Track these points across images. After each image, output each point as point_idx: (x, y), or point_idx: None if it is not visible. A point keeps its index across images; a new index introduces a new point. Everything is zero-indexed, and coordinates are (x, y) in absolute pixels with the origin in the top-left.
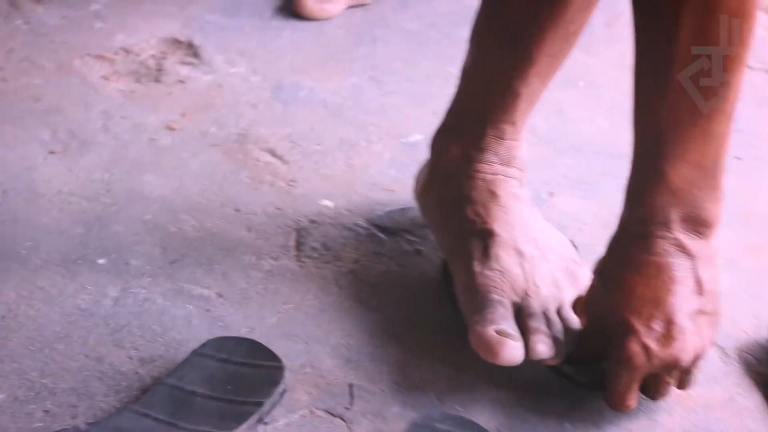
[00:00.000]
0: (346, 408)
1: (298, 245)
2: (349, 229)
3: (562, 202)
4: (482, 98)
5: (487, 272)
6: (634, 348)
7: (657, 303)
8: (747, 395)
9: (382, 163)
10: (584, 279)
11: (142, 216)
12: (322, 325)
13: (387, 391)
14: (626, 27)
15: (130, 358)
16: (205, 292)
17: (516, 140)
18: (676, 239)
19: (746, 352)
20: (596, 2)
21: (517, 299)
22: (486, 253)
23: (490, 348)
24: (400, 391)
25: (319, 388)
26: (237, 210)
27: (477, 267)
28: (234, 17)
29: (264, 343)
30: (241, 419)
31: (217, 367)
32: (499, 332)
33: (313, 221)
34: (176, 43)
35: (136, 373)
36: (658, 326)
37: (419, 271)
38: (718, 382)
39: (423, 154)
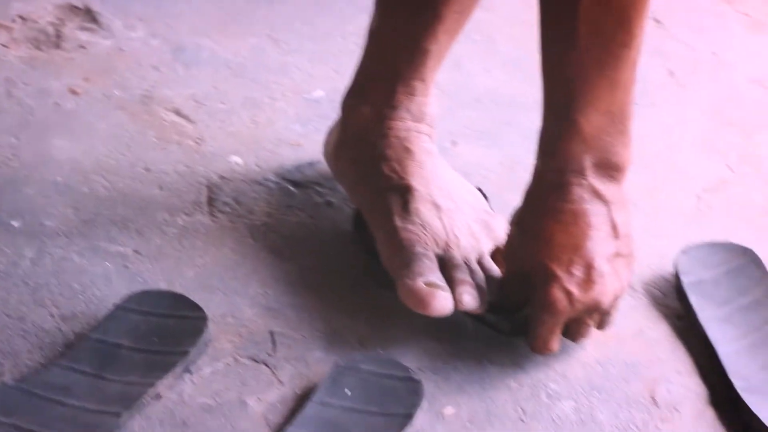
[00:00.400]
0: (269, 354)
1: (210, 201)
2: (260, 183)
3: (465, 151)
4: (392, 57)
5: (409, 226)
6: (557, 294)
7: (576, 249)
8: (655, 327)
9: (287, 119)
10: (499, 229)
11: (53, 178)
12: (239, 276)
13: (308, 337)
14: None
15: (52, 315)
16: (122, 249)
17: (426, 96)
18: (590, 185)
19: (652, 287)
20: None
21: (439, 251)
22: (405, 208)
23: (421, 300)
24: (321, 336)
25: (241, 337)
26: (147, 169)
27: (398, 222)
28: None
29: None
30: (167, 368)
31: (141, 320)
32: (428, 284)
33: (223, 177)
34: (73, 9)
35: (59, 330)
36: (578, 271)
37: (331, 222)
38: (627, 317)
39: (326, 110)
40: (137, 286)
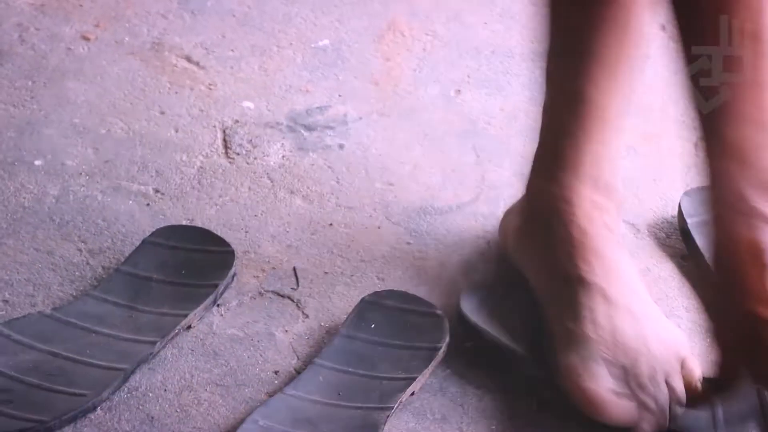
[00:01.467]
0: (293, 289)
1: (226, 143)
2: (272, 127)
3: (469, 99)
4: (563, 121)
5: (596, 332)
6: None
7: None
8: (661, 266)
9: (295, 67)
10: (685, 348)
11: (71, 120)
12: (258, 215)
13: (330, 272)
14: None
15: (80, 250)
16: (143, 188)
17: (613, 165)
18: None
19: (656, 229)
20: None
21: (625, 363)
22: (591, 309)
23: (601, 406)
24: (342, 272)
25: (264, 272)
26: (162, 113)
27: (587, 325)
28: None
29: None
30: (198, 301)
31: (169, 254)
32: (607, 392)
33: (236, 121)
34: None
35: (88, 263)
36: None
37: (344, 163)
38: (634, 256)
39: (332, 58)
40: (160, 223)
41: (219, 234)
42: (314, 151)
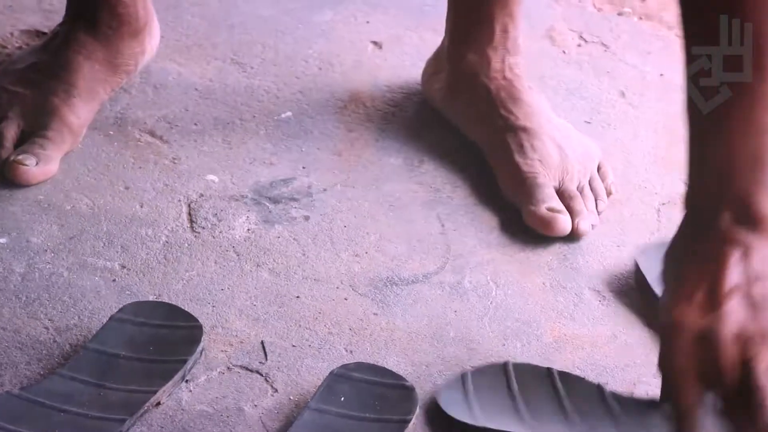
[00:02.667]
0: (261, 363)
1: (191, 217)
2: (237, 200)
3: (432, 168)
4: (481, 2)
5: (529, 161)
6: None
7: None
8: (628, 332)
9: (258, 139)
10: (598, 151)
11: (36, 196)
12: (225, 288)
13: (297, 345)
14: None
15: (47, 328)
16: (108, 264)
17: (517, 29)
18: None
19: (622, 294)
20: None
21: (556, 183)
22: (524, 146)
23: (546, 223)
24: (310, 344)
25: (232, 346)
26: (127, 188)
27: (519, 158)
28: None
29: None
30: (166, 377)
31: (137, 330)
32: (550, 209)
33: (201, 195)
34: (39, 34)
35: (55, 341)
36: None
37: (310, 235)
38: (600, 322)
39: (295, 130)
40: (127, 299)
41: (186, 309)
42: (280, 224)
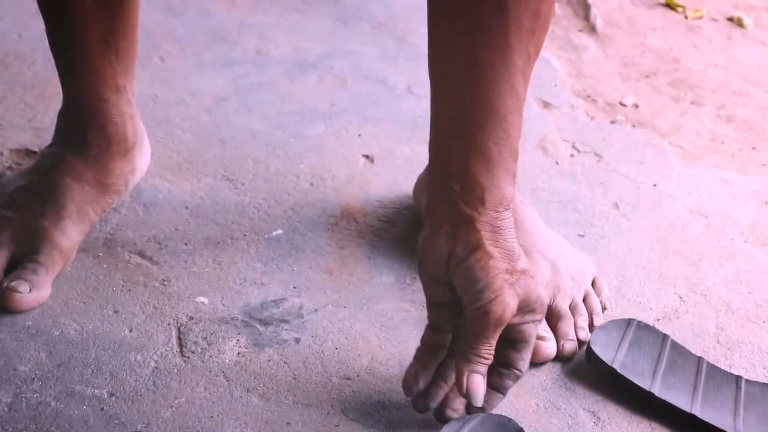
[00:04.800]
0: None
1: (180, 341)
2: (227, 322)
3: None
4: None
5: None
6: None
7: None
8: None
9: (249, 259)
10: (592, 266)
11: (24, 323)
12: (215, 416)
13: None
14: None
15: None
16: (97, 392)
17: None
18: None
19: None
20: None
21: (549, 302)
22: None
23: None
24: None
25: None
26: (116, 311)
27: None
28: None
29: None
30: None
31: None
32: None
33: (191, 317)
34: (29, 153)
35: None
36: None
37: (301, 358)
38: None
39: (286, 248)
40: (115, 429)
41: None
42: (270, 347)
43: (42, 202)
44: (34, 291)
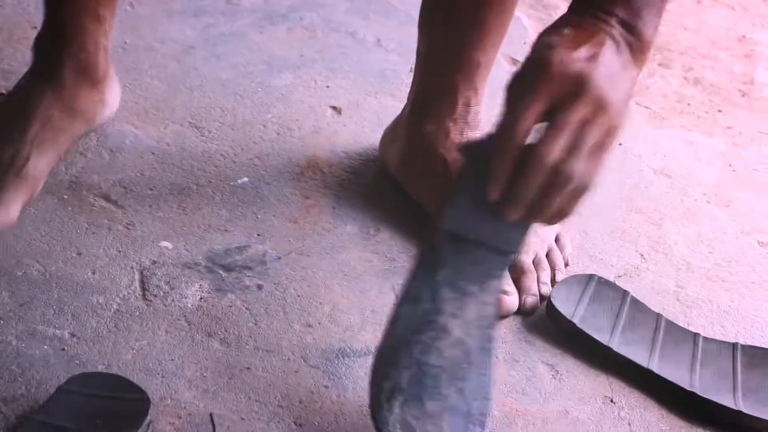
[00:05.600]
0: None
1: (143, 285)
2: (190, 267)
3: (387, 237)
4: (448, 74)
5: None
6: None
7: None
8: (579, 408)
9: (214, 205)
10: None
11: None
12: (175, 359)
13: (246, 418)
14: None
15: None
16: (58, 332)
17: (479, 104)
18: (614, 32)
19: (575, 370)
20: None
21: None
22: None
23: None
24: (259, 417)
25: (180, 419)
26: (79, 253)
27: None
28: None
29: None
30: None
31: (84, 402)
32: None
33: (154, 262)
34: None
35: (0, 412)
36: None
37: (263, 305)
38: (553, 398)
39: (251, 196)
40: (76, 369)
41: (135, 380)
42: (232, 293)
43: (12, 128)
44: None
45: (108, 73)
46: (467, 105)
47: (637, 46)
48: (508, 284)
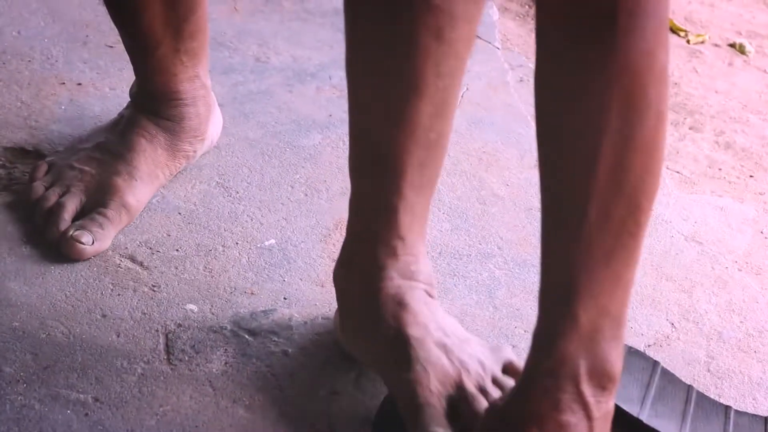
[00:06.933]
0: None
1: (168, 349)
2: (215, 331)
3: None
4: (365, 220)
5: (411, 376)
6: None
7: None
8: None
9: (240, 267)
10: (506, 350)
11: (11, 323)
12: (200, 425)
13: None
14: (456, 134)
15: None
16: (82, 396)
17: (410, 255)
18: (581, 396)
19: None
20: (452, 108)
21: (450, 390)
22: (406, 359)
23: None
24: None
25: None
26: (104, 315)
27: (402, 374)
28: (78, 127)
29: None
30: None
31: None
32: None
33: (179, 325)
34: (24, 152)
35: None
36: None
37: (288, 371)
38: None
39: (278, 258)
40: None
41: None
42: (258, 358)
43: (116, 159)
44: (96, 243)
45: (209, 115)
46: (393, 255)
47: (609, 386)
48: (444, 426)
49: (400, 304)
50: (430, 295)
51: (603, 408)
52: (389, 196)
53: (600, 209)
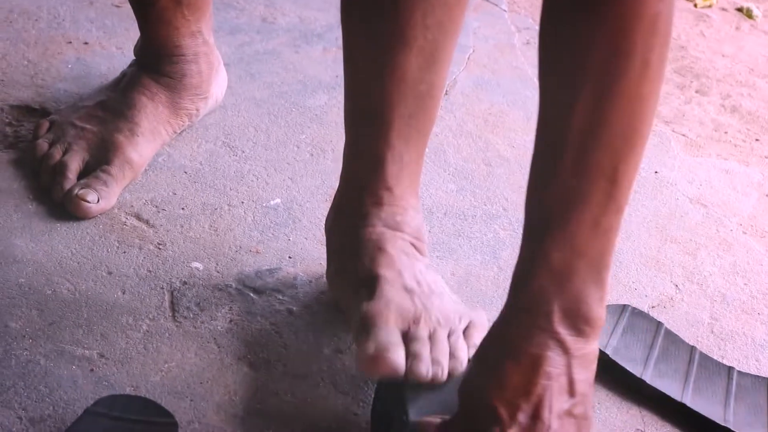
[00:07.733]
0: None
1: (173, 306)
2: (221, 289)
3: None
4: (355, 169)
5: (373, 306)
6: None
7: (527, 395)
8: None
9: (246, 226)
10: (479, 317)
11: (17, 279)
12: (204, 382)
13: None
14: (462, 95)
15: (20, 418)
16: (87, 352)
17: (397, 206)
18: (556, 332)
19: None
20: (443, 61)
21: (404, 327)
22: (372, 293)
23: (371, 361)
24: None
25: None
26: (110, 273)
27: (364, 306)
28: (85, 86)
29: None
30: None
31: (111, 425)
32: (377, 347)
33: (185, 282)
34: (30, 110)
35: None
36: (523, 419)
37: (292, 329)
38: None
39: (284, 217)
40: (104, 390)
41: (163, 402)
42: (262, 316)
43: (118, 117)
44: (102, 201)
45: (212, 73)
46: (378, 204)
47: (587, 331)
48: (391, 343)
49: (380, 249)
50: (417, 249)
51: (581, 349)
52: (377, 145)
53: (575, 154)
